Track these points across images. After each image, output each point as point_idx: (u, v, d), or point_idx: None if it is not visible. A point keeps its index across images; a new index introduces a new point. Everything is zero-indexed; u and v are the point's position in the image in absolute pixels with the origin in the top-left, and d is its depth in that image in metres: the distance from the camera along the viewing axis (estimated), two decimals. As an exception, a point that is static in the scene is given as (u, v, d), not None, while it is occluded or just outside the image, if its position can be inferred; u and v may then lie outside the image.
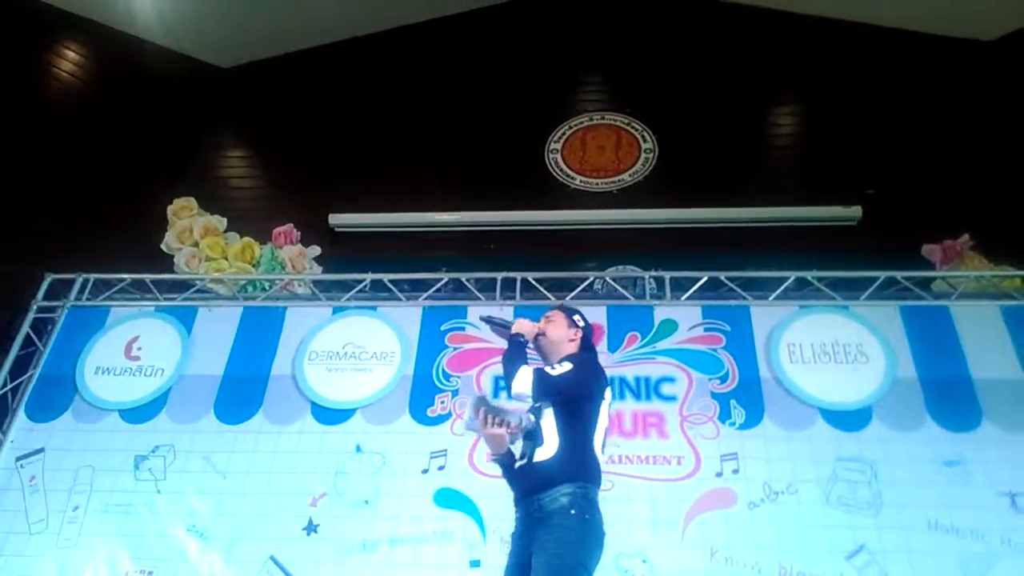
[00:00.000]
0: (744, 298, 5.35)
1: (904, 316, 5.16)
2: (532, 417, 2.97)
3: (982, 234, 5.86)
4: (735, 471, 4.64)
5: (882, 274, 5.27)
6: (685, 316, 5.31)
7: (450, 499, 4.65)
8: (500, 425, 2.88)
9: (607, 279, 5.71)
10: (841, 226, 6.15)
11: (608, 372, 4.99)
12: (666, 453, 4.75)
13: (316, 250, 6.50)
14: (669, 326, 5.28)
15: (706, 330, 5.24)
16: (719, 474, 4.64)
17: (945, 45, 6.94)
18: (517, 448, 3.04)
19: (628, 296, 5.51)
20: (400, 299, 5.59)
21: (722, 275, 5.42)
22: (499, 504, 4.54)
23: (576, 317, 3.29)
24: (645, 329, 5.28)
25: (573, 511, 2.72)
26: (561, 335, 3.19)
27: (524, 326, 3.18)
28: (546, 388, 2.92)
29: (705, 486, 4.61)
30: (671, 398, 4.98)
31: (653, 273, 5.56)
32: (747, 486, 4.58)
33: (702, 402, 4.94)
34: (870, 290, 5.27)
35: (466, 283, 5.60)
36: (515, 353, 3.06)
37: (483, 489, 4.63)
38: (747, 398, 4.92)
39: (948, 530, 4.33)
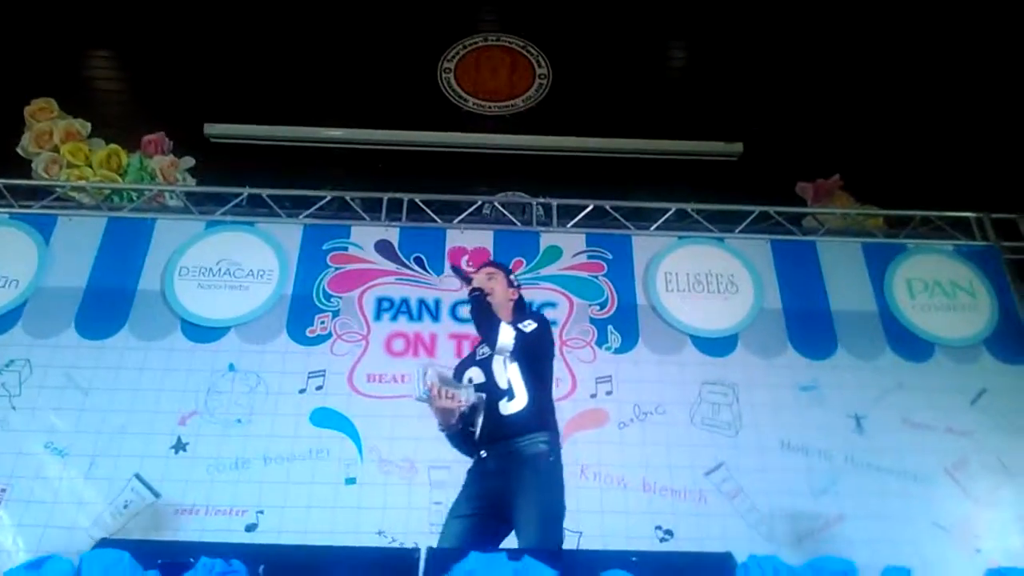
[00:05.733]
0: (627, 227, 5.47)
1: (774, 250, 5.42)
2: (483, 396, 3.00)
3: (852, 175, 6.15)
4: (608, 393, 4.81)
5: (757, 208, 5.50)
6: (570, 243, 5.39)
7: (327, 418, 4.61)
8: (451, 399, 2.89)
9: (495, 204, 5.69)
10: (723, 161, 6.31)
11: (492, 296, 5.19)
12: (544, 375, 4.86)
13: (190, 161, 6.10)
14: (554, 252, 5.35)
15: (589, 257, 5.35)
16: (593, 395, 4.80)
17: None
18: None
19: (515, 222, 5.53)
20: (279, 216, 5.39)
21: (607, 204, 5.53)
22: (377, 424, 4.58)
23: (512, 277, 3.41)
24: (531, 255, 5.33)
25: (552, 458, 2.92)
26: (505, 295, 3.27)
27: (483, 281, 3.24)
28: (523, 345, 3.02)
29: (580, 407, 4.75)
30: (552, 322, 5.02)
31: (541, 200, 5.60)
32: (619, 407, 4.76)
33: (581, 327, 5.06)
34: (744, 224, 5.48)
35: (350, 202, 5.46)
36: (486, 310, 3.14)
37: (361, 408, 4.62)
38: (624, 324, 5.08)
39: (799, 449, 4.65)
